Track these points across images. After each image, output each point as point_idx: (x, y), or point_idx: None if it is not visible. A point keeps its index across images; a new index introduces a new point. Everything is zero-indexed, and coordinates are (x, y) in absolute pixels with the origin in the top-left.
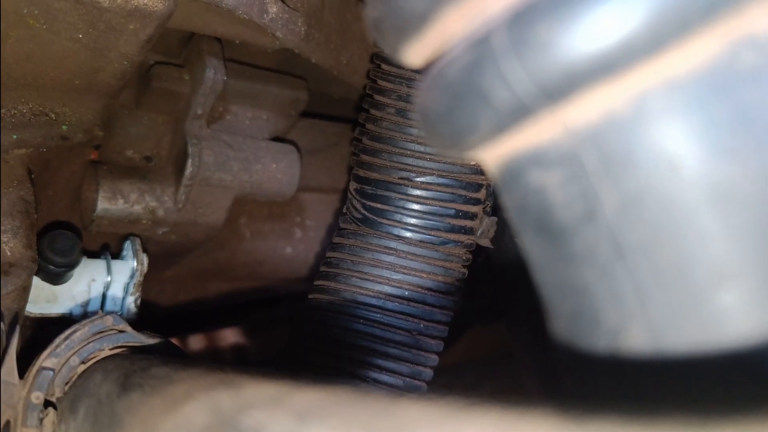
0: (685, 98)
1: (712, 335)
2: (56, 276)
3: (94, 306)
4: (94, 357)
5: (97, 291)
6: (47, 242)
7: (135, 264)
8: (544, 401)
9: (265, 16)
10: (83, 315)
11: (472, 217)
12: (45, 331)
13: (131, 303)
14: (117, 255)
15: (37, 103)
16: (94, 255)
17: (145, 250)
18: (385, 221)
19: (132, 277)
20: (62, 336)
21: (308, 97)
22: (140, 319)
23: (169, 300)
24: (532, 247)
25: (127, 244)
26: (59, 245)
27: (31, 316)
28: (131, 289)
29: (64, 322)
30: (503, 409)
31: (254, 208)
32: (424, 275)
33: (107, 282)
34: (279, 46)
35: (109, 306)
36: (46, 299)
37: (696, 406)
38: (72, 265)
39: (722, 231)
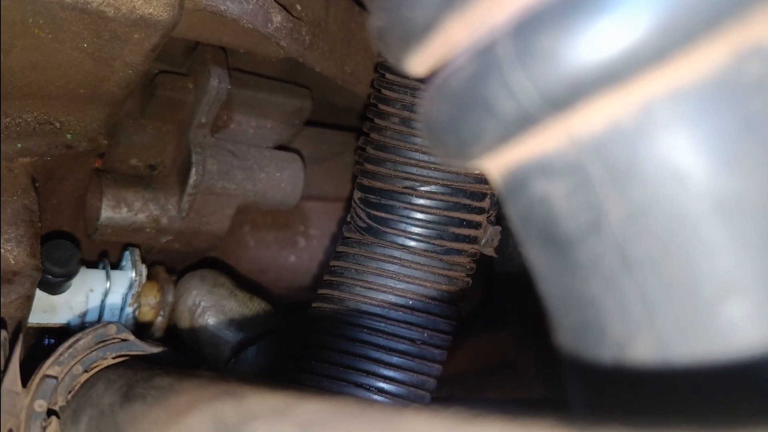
0: (691, 108)
1: (719, 347)
2: (54, 286)
3: (92, 316)
4: (97, 366)
5: (95, 301)
6: (45, 252)
7: (134, 275)
8: (549, 411)
9: (270, 25)
10: (81, 325)
11: (476, 226)
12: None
13: (129, 314)
14: (118, 264)
15: (42, 111)
16: (93, 265)
17: (144, 261)
18: (389, 230)
19: (131, 287)
20: (66, 344)
21: (312, 106)
22: (139, 329)
23: None
24: (536, 257)
25: (126, 255)
26: (57, 255)
27: (29, 326)
28: (129, 300)
29: (62, 332)
30: (509, 420)
31: (258, 216)
32: (428, 284)
33: (105, 292)
34: (283, 55)
35: (107, 317)
36: (43, 309)
37: (702, 417)
38: (70, 275)
39: (730, 243)
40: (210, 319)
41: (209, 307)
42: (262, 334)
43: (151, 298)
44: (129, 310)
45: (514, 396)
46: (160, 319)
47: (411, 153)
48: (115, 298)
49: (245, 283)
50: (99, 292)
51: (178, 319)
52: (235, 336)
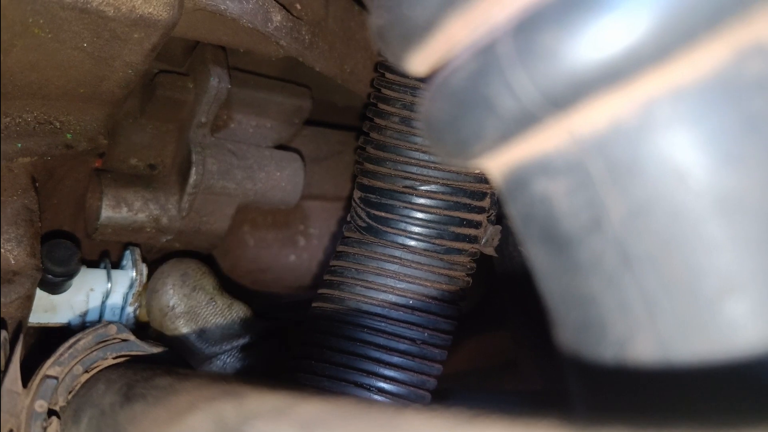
0: (692, 106)
1: (720, 346)
2: (54, 285)
3: (93, 316)
4: (98, 366)
5: (95, 301)
6: (45, 251)
7: (134, 274)
8: (549, 411)
9: (269, 24)
10: (82, 325)
11: (477, 225)
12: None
13: (130, 313)
14: (118, 264)
15: (42, 111)
16: (94, 264)
17: (144, 260)
18: (389, 230)
19: (131, 287)
20: (66, 344)
21: (312, 106)
22: (138, 328)
23: None
24: (537, 256)
25: (127, 254)
26: (58, 254)
27: (29, 326)
28: (130, 299)
29: (63, 332)
30: (509, 420)
31: (258, 216)
32: (428, 284)
33: (106, 292)
34: (283, 54)
35: (108, 316)
36: (44, 309)
37: (703, 416)
38: (70, 275)
39: (730, 241)
40: (182, 327)
41: (183, 313)
42: (229, 350)
43: None
44: (130, 309)
45: (516, 396)
46: None
47: (411, 152)
48: (116, 298)
49: (230, 285)
50: (100, 292)
51: (150, 316)
52: (204, 347)
